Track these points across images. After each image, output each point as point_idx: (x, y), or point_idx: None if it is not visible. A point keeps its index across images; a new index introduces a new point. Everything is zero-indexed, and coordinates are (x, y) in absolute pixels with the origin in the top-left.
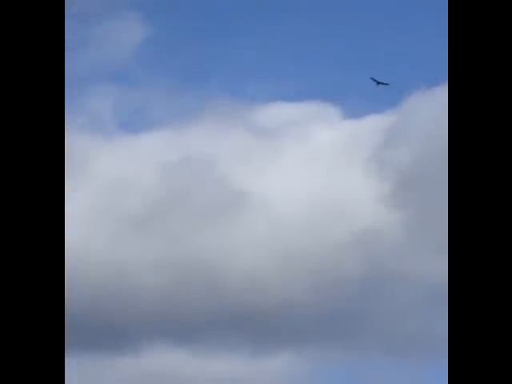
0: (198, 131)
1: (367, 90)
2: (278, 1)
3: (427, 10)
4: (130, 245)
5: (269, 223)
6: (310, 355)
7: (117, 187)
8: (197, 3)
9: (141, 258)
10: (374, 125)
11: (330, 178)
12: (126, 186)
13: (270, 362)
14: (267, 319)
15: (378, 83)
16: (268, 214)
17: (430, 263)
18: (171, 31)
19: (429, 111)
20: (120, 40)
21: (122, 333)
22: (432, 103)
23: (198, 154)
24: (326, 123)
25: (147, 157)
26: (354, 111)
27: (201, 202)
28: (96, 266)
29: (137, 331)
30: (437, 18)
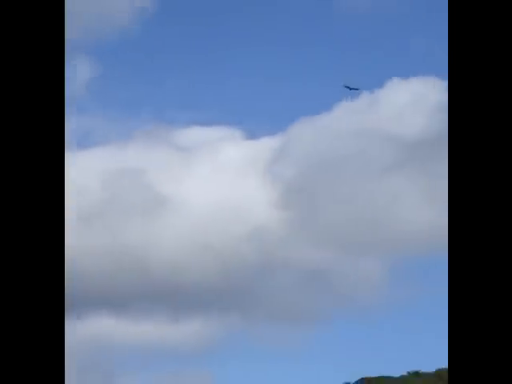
0: (132, 148)
1: (264, 118)
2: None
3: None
4: (78, 235)
5: (186, 220)
6: (216, 321)
7: (68, 189)
8: (133, 48)
9: (86, 246)
10: (267, 145)
11: (233, 186)
12: (75, 188)
13: (185, 327)
14: (184, 294)
15: (351, 89)
16: (185, 213)
17: (308, 252)
18: (113, 71)
19: (310, 135)
20: (73, 77)
21: (69, 304)
22: (314, 129)
23: (131, 166)
24: (231, 143)
25: (93, 167)
26: (252, 134)
27: (133, 203)
28: None
29: (82, 303)
30: (320, 64)
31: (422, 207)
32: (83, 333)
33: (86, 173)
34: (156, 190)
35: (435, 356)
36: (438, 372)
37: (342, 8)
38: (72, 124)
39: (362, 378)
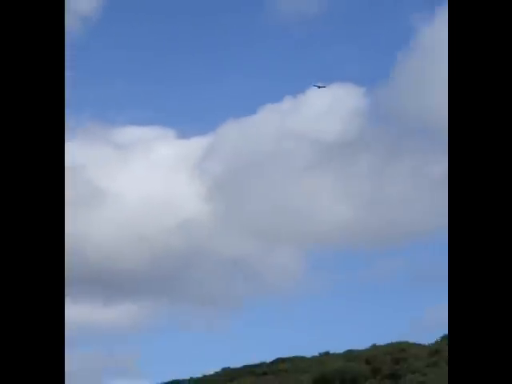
0: (73, 146)
1: (195, 119)
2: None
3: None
4: None
5: (122, 213)
6: (146, 305)
7: None
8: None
9: None
10: (197, 144)
11: (165, 182)
12: None
13: (118, 309)
14: (118, 279)
15: (319, 87)
16: (122, 205)
17: (232, 242)
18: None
19: (237, 135)
20: None
21: None
22: (240, 129)
23: (72, 163)
24: (164, 142)
25: None
26: (184, 134)
27: (75, 196)
28: None
29: None
30: (247, 70)
31: (336, 203)
32: None
33: None
34: (94, 185)
35: (344, 338)
36: (346, 353)
37: (271, 17)
38: None
39: (278, 358)
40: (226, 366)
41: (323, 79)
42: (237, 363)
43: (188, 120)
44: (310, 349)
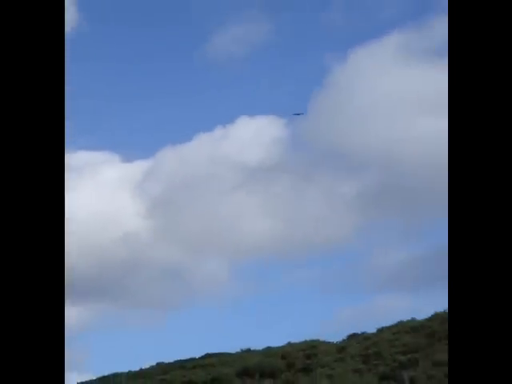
0: None
1: (138, 145)
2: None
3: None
4: None
5: (73, 227)
6: (92, 308)
7: None
8: None
9: None
10: (139, 167)
11: (110, 200)
12: None
13: (68, 312)
14: (68, 285)
15: (298, 114)
16: (73, 221)
17: (168, 254)
18: None
19: (174, 160)
20: None
21: None
22: (177, 155)
23: None
24: (110, 165)
25: None
26: (128, 158)
27: None
28: None
29: None
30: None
31: (259, 220)
32: None
33: None
34: None
35: (263, 337)
36: (265, 350)
37: (204, 56)
38: None
39: (206, 354)
40: (160, 360)
41: (250, 112)
42: (170, 358)
43: (132, 146)
44: (233, 346)
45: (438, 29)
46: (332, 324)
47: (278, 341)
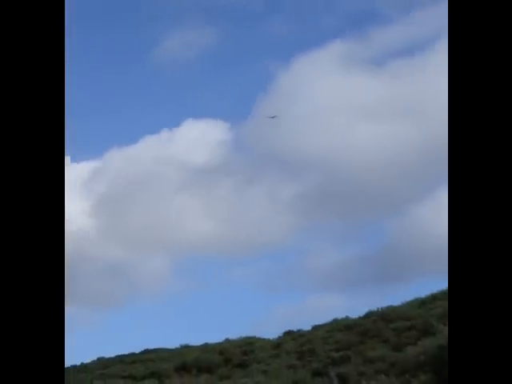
0: None
1: (86, 146)
2: None
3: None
4: None
5: None
6: None
7: None
8: None
9: None
10: (87, 167)
11: None
12: None
13: None
14: None
15: (272, 117)
16: None
17: (112, 251)
18: None
19: (120, 161)
20: None
21: None
22: (124, 156)
23: None
24: None
25: None
26: (76, 159)
27: None
28: None
29: None
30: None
31: (202, 220)
32: None
33: None
34: None
35: (202, 333)
36: (203, 345)
37: (151, 61)
38: None
39: (145, 349)
40: (101, 355)
41: (196, 115)
42: (111, 353)
43: (80, 147)
44: (172, 341)
45: (378, 39)
46: (269, 321)
47: (215, 337)
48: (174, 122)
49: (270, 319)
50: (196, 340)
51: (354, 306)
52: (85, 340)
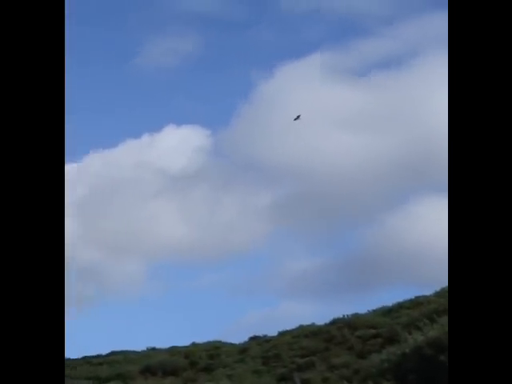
0: None
1: (68, 148)
2: None
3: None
4: None
5: None
6: None
7: None
8: None
9: None
10: (67, 169)
11: None
12: None
13: None
14: None
15: (296, 118)
16: None
17: (87, 254)
18: None
19: (100, 165)
20: None
21: None
22: (103, 160)
23: None
24: None
25: None
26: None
27: None
28: None
29: None
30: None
31: (177, 225)
32: None
33: None
34: None
35: (169, 336)
36: (170, 349)
37: (134, 67)
38: None
39: (112, 351)
40: (68, 356)
41: (177, 121)
42: (77, 355)
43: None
44: (139, 344)
45: (360, 50)
46: (236, 327)
47: (182, 341)
48: (156, 127)
49: (237, 324)
50: (163, 343)
51: (321, 312)
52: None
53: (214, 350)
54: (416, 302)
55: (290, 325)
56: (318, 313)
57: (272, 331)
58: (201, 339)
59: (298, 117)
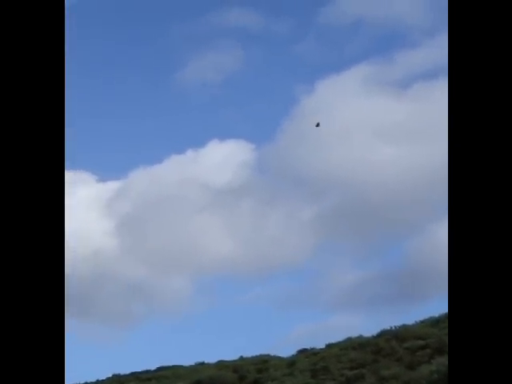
0: None
1: (112, 166)
2: None
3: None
4: None
5: None
6: None
7: None
8: None
9: None
10: (112, 187)
11: (82, 218)
12: None
13: None
14: None
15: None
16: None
17: (134, 270)
18: None
19: (145, 181)
20: None
21: None
22: (148, 176)
23: None
24: (86, 185)
25: None
26: (103, 178)
27: None
28: None
29: None
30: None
31: (223, 240)
32: None
33: None
34: None
35: (217, 351)
36: (218, 363)
37: (177, 82)
38: None
39: (161, 366)
40: (117, 372)
41: (221, 136)
42: (126, 370)
43: (106, 167)
44: (187, 359)
45: (403, 62)
46: (284, 340)
47: (231, 355)
48: (200, 143)
49: (285, 338)
50: (211, 358)
51: (369, 324)
52: (101, 357)
53: (262, 363)
54: None
55: (338, 337)
56: (365, 325)
57: (319, 344)
58: (249, 353)
59: (318, 124)
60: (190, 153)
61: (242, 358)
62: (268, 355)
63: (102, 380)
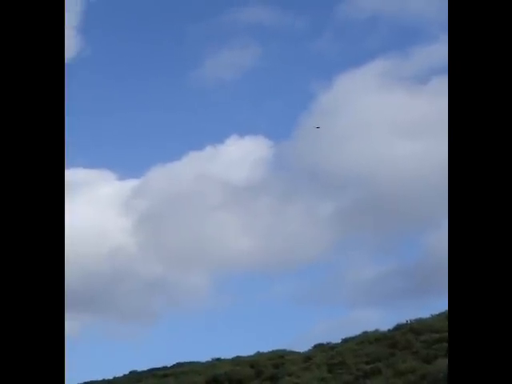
0: None
1: (130, 164)
2: None
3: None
4: None
5: (66, 241)
6: (77, 318)
7: None
8: None
9: None
10: (131, 184)
11: (100, 216)
12: None
13: None
14: None
15: (317, 128)
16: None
17: (152, 267)
18: None
19: (163, 178)
20: None
21: None
22: (166, 173)
23: None
24: (106, 183)
25: None
26: (121, 176)
27: None
28: None
29: None
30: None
31: (241, 236)
32: None
33: None
34: None
35: (234, 346)
36: (235, 359)
37: (194, 81)
38: None
39: (177, 362)
40: (134, 369)
41: (239, 132)
42: (143, 367)
43: (125, 165)
44: (204, 355)
45: (420, 58)
46: (300, 335)
47: (247, 350)
48: (218, 139)
49: (301, 333)
50: (227, 353)
51: (384, 318)
52: (119, 353)
53: (279, 358)
54: None
55: (354, 332)
56: (381, 319)
57: (335, 338)
58: (265, 348)
59: (318, 127)
60: (208, 149)
61: (258, 353)
62: (284, 350)
63: (119, 377)
